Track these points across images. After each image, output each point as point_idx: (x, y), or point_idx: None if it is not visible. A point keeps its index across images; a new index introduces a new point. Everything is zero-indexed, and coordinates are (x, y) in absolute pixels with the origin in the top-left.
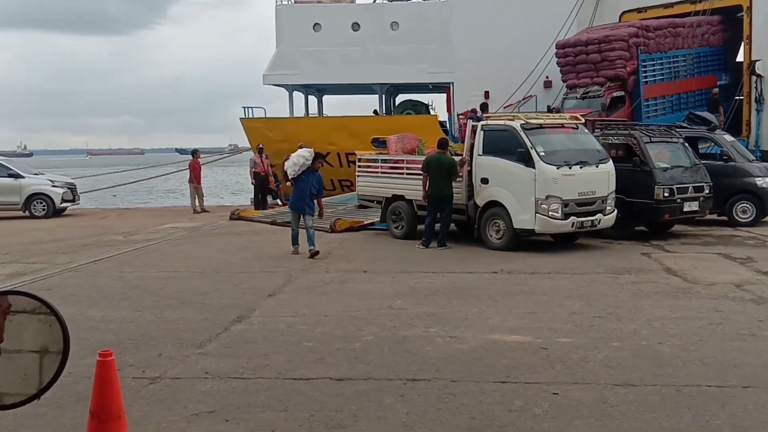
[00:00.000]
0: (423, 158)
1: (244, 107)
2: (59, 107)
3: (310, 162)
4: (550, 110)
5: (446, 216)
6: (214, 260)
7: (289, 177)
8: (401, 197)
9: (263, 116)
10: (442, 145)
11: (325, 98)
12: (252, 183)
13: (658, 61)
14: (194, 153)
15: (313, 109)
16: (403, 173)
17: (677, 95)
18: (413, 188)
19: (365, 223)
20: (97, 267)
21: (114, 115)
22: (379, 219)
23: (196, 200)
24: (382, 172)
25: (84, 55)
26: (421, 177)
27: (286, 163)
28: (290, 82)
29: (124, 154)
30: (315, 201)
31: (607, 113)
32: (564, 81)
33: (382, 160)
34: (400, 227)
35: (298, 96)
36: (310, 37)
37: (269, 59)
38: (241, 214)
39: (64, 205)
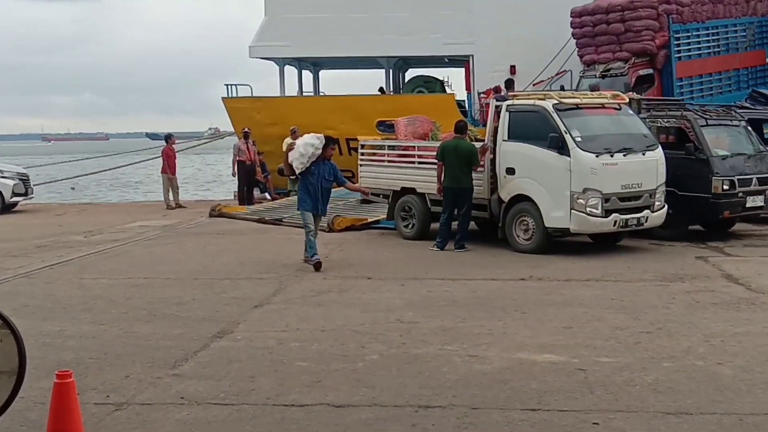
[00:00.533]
0: (437, 144)
1: (227, 85)
2: (9, 84)
3: (320, 151)
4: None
5: (465, 213)
6: (191, 265)
7: (297, 172)
8: (412, 190)
9: (249, 95)
10: (460, 129)
11: (322, 74)
12: (235, 174)
13: (694, 33)
14: (168, 138)
15: (308, 87)
16: (413, 162)
17: (718, 73)
18: (426, 180)
19: (369, 221)
20: (53, 272)
21: (74, 93)
22: (385, 216)
23: (170, 194)
24: (389, 161)
25: (40, 22)
26: (435, 167)
27: (290, 154)
28: (281, 55)
29: (85, 139)
30: (331, 194)
31: None
32: (581, 56)
33: (389, 146)
34: (410, 226)
35: (291, 71)
36: (304, 2)
37: (257, 28)
38: (223, 211)
39: (15, 199)
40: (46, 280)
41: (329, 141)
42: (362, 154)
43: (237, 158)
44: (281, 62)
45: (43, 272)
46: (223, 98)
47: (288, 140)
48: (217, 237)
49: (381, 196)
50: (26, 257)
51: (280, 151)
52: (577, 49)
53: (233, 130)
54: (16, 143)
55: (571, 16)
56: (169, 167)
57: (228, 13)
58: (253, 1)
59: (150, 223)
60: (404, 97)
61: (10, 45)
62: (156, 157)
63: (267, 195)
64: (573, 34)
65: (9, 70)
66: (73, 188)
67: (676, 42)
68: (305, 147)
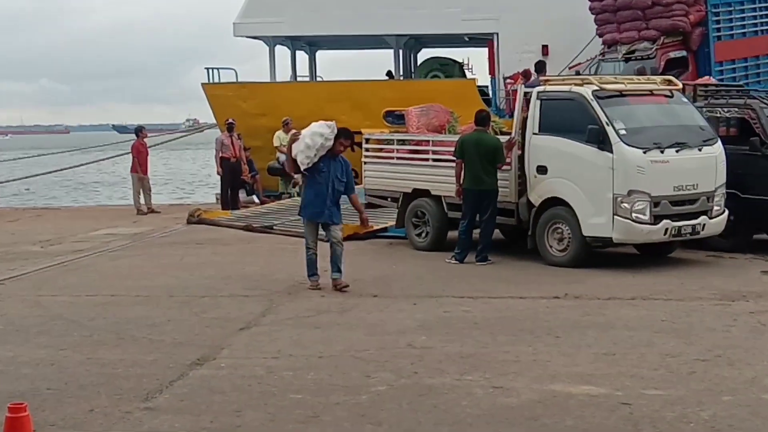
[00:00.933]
0: (455, 139)
1: (208, 69)
2: None
3: (330, 143)
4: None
5: (488, 219)
6: (166, 280)
7: (302, 168)
8: (425, 193)
9: (234, 81)
10: (483, 120)
11: (320, 55)
12: (218, 173)
13: (737, 7)
14: (139, 132)
15: (303, 71)
16: (427, 160)
17: (766, 56)
18: (442, 180)
19: (375, 228)
20: (5, 289)
21: (29, 79)
22: (394, 223)
23: (142, 197)
24: (398, 159)
25: None
26: (454, 165)
27: (294, 146)
28: (271, 33)
29: (41, 133)
30: (340, 203)
31: None
32: (600, 35)
33: (398, 141)
34: (423, 234)
35: (283, 52)
36: None
37: (242, 2)
38: (204, 216)
39: None
40: None
41: (343, 132)
42: (367, 150)
43: (220, 154)
44: (271, 42)
45: None
46: (203, 84)
47: (280, 134)
48: (197, 247)
49: (389, 199)
50: None
51: (270, 146)
52: (596, 27)
53: (215, 121)
54: None
55: None
56: (140, 165)
57: None
58: None
59: (118, 230)
60: (416, 83)
61: None
62: (125, 154)
63: (255, 198)
64: (591, 9)
65: None
66: (27, 189)
67: (714, 18)
68: (312, 137)
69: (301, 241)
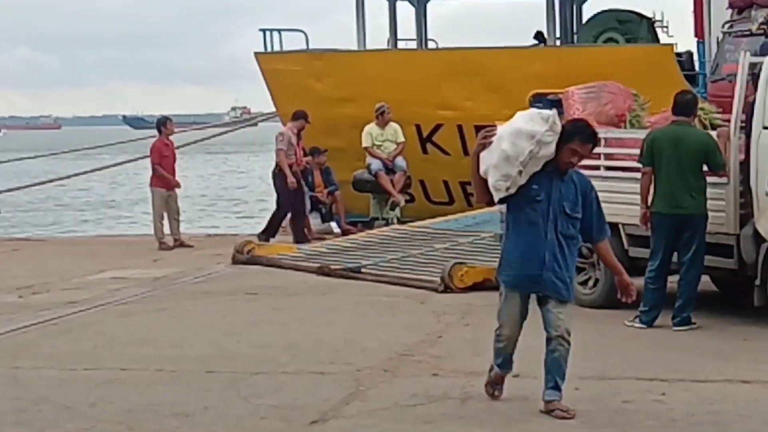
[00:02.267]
0: (642, 135)
1: (264, 30)
2: None
3: (551, 149)
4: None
5: (691, 260)
6: (201, 348)
7: (498, 197)
8: None
9: (303, 49)
10: (685, 106)
11: (432, 8)
12: (292, 184)
13: None
14: (162, 126)
15: (407, 32)
16: (598, 167)
17: None
18: (619, 199)
19: None
20: None
21: (0, 47)
22: None
23: (166, 223)
24: None
25: None
26: (637, 176)
27: (483, 156)
28: None
29: (20, 128)
30: (567, 256)
31: None
32: None
33: None
34: (590, 282)
35: (377, 5)
36: None
37: None
38: (258, 253)
39: None
40: None
41: (575, 132)
42: None
43: (286, 159)
44: None
45: None
46: (256, 54)
47: (372, 128)
48: (247, 299)
49: None
50: None
51: (356, 147)
52: None
53: (274, 109)
54: None
55: None
56: (163, 176)
57: None
58: None
59: (130, 273)
60: (581, 50)
61: None
62: (141, 158)
63: (334, 225)
64: None
65: None
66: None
67: None
68: (515, 140)
69: (402, 293)
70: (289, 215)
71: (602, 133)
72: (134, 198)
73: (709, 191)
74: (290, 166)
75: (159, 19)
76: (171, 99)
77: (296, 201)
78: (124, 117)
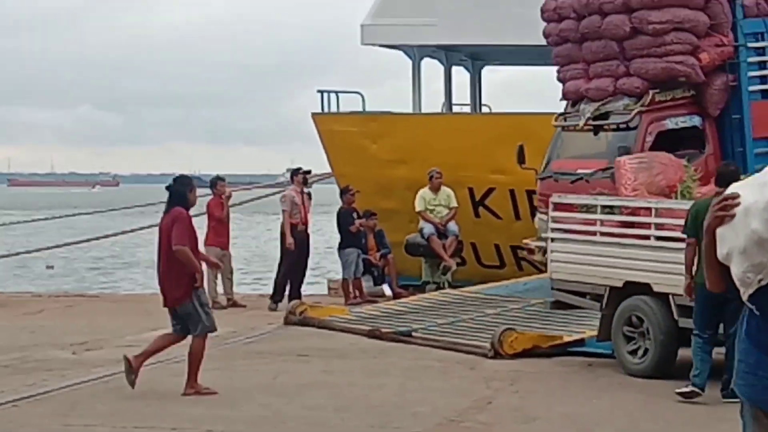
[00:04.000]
0: (687, 206)
1: (322, 92)
2: None
3: None
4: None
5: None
6: (252, 409)
7: (747, 292)
8: (645, 288)
9: (359, 110)
10: (728, 176)
11: (487, 74)
12: (289, 245)
13: None
14: (215, 184)
15: (462, 97)
16: (648, 237)
17: None
18: (670, 270)
19: (565, 340)
20: (18, 414)
21: (65, 104)
22: (595, 333)
23: (219, 281)
24: (602, 235)
25: None
26: (684, 246)
27: (720, 233)
28: (417, 42)
29: (79, 184)
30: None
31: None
32: (561, 81)
33: (603, 208)
34: (640, 352)
35: (432, 69)
36: None
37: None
38: (310, 314)
39: None
40: (5, 427)
41: None
42: (554, 219)
43: (289, 219)
44: (417, 53)
45: (1, 412)
46: (313, 114)
47: (425, 192)
48: (298, 360)
49: (588, 296)
50: None
51: (409, 210)
52: (557, 67)
53: (330, 170)
54: None
55: (542, 12)
56: (216, 234)
57: None
58: None
59: None
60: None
61: None
62: (196, 216)
63: (385, 287)
64: (545, 35)
65: None
66: (50, 267)
67: (750, 59)
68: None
69: (453, 357)
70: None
71: (653, 203)
72: None
73: None
74: (296, 226)
75: (218, 81)
76: (228, 159)
77: (297, 261)
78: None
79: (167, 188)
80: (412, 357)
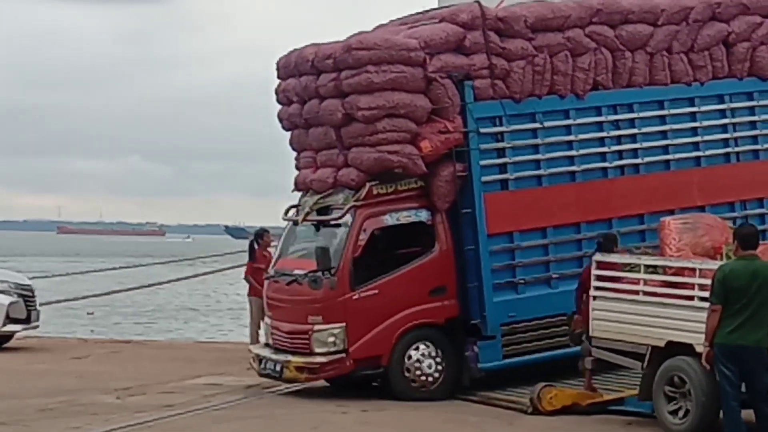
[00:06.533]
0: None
1: None
2: (14, 137)
3: None
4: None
5: (762, 391)
6: None
7: None
8: (687, 349)
9: None
10: (749, 239)
11: None
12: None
13: (526, 125)
14: (260, 237)
15: None
16: (692, 298)
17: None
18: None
19: (606, 399)
20: None
21: (114, 155)
22: (635, 392)
23: (263, 332)
24: (646, 294)
25: (70, 34)
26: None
27: None
28: None
29: (127, 234)
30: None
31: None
32: (297, 168)
33: (647, 267)
34: (682, 412)
35: None
36: None
37: None
38: None
39: (11, 328)
40: None
41: None
42: (597, 278)
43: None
44: None
45: None
46: None
47: None
48: (338, 411)
49: (629, 356)
50: (21, 427)
51: None
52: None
53: None
54: (15, 232)
55: (277, 75)
56: (260, 285)
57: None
58: None
59: (225, 380)
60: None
61: (19, 76)
62: (238, 267)
63: None
64: (278, 118)
65: (9, 112)
66: (90, 314)
67: (484, 146)
68: None
69: (490, 413)
70: None
71: (697, 263)
72: (229, 306)
73: None
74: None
75: (262, 136)
76: (270, 211)
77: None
78: (226, 227)
79: None
80: (449, 411)
